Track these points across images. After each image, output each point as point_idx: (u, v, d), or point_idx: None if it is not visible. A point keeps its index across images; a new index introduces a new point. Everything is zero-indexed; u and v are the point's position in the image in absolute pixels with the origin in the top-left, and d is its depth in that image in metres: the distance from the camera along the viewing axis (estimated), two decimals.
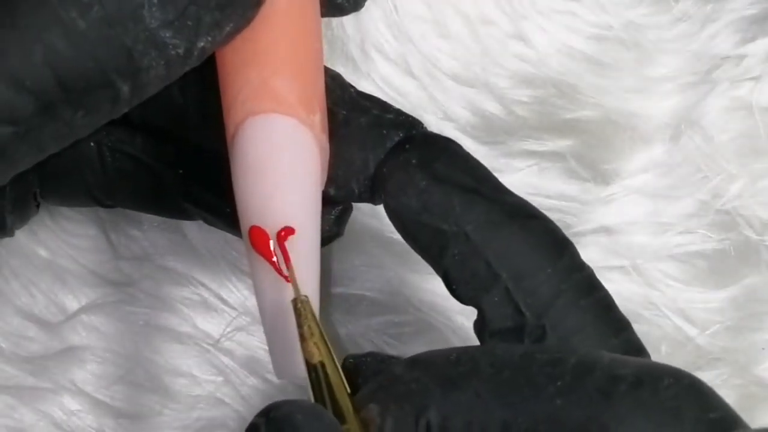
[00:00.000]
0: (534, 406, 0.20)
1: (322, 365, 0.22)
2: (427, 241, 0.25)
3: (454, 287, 0.25)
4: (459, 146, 0.26)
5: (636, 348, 0.24)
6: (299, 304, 0.23)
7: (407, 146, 0.25)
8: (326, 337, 0.23)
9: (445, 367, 0.21)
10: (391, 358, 0.25)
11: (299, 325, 0.23)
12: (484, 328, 0.25)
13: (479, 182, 0.25)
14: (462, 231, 0.24)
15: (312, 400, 0.23)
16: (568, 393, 0.20)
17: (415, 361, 0.22)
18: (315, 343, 0.23)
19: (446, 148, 0.25)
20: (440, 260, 0.25)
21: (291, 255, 0.24)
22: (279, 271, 0.24)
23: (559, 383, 0.20)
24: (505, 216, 0.24)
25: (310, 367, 0.23)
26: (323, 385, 0.22)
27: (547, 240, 0.25)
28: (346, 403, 0.22)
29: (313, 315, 0.23)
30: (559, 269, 0.24)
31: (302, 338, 0.23)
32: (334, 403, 0.22)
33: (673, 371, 0.20)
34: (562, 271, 0.24)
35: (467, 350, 0.22)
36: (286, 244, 0.24)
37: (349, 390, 0.23)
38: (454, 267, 0.24)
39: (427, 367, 0.21)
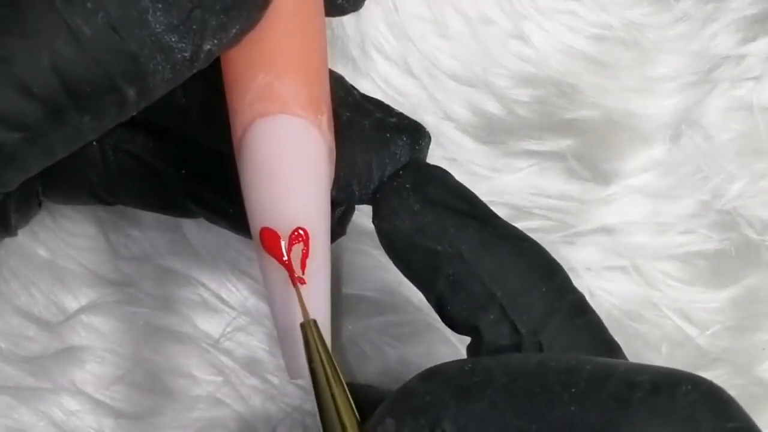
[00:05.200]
0: (549, 413, 0.20)
1: (330, 387, 0.23)
2: (421, 263, 0.25)
3: (448, 308, 0.25)
4: (450, 175, 0.26)
5: None
6: (306, 328, 0.23)
7: (401, 172, 0.26)
8: (334, 360, 0.23)
9: (459, 378, 0.21)
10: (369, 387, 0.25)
11: (306, 346, 0.23)
12: (479, 349, 0.24)
13: (471, 205, 0.25)
14: (456, 251, 0.24)
15: (320, 423, 0.23)
16: (583, 400, 0.19)
17: (430, 374, 0.22)
18: (321, 364, 0.23)
19: (439, 174, 0.26)
20: (434, 282, 0.25)
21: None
22: (291, 273, 0.24)
23: (573, 390, 0.20)
24: (498, 237, 0.25)
25: (317, 390, 0.23)
26: (330, 404, 0.22)
27: (539, 261, 0.25)
28: (353, 425, 0.22)
29: (320, 338, 0.23)
30: (552, 288, 0.24)
31: (309, 360, 0.23)
32: (341, 423, 0.22)
33: (691, 378, 0.20)
34: (556, 290, 0.24)
35: (481, 360, 0.22)
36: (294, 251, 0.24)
37: (357, 413, 0.23)
38: (449, 288, 0.24)
39: (441, 379, 0.21)
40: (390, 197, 0.25)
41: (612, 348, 0.25)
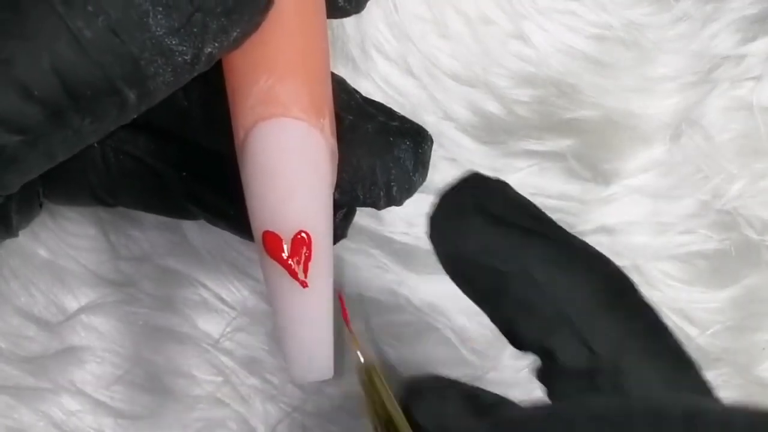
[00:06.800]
0: None
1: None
2: (487, 284, 0.24)
3: (517, 330, 0.24)
4: (510, 187, 0.25)
5: (706, 389, 0.23)
6: (366, 373, 0.23)
7: (458, 187, 0.24)
8: (394, 400, 0.22)
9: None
10: (452, 383, 0.24)
11: (366, 392, 0.22)
12: (553, 371, 0.23)
13: (536, 220, 0.24)
14: (524, 271, 0.23)
15: None
16: None
17: (501, 427, 0.21)
18: (383, 407, 0.22)
19: (500, 189, 0.25)
20: (501, 304, 0.23)
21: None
22: (294, 276, 0.24)
23: None
24: (567, 254, 0.23)
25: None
26: None
27: (612, 280, 0.23)
28: None
29: (381, 380, 0.22)
30: (627, 307, 0.23)
31: (370, 402, 0.22)
32: None
33: None
34: (631, 309, 0.23)
35: (557, 408, 0.20)
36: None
37: None
38: (517, 309, 0.23)
39: None
40: (452, 217, 0.24)
41: (688, 368, 0.23)
